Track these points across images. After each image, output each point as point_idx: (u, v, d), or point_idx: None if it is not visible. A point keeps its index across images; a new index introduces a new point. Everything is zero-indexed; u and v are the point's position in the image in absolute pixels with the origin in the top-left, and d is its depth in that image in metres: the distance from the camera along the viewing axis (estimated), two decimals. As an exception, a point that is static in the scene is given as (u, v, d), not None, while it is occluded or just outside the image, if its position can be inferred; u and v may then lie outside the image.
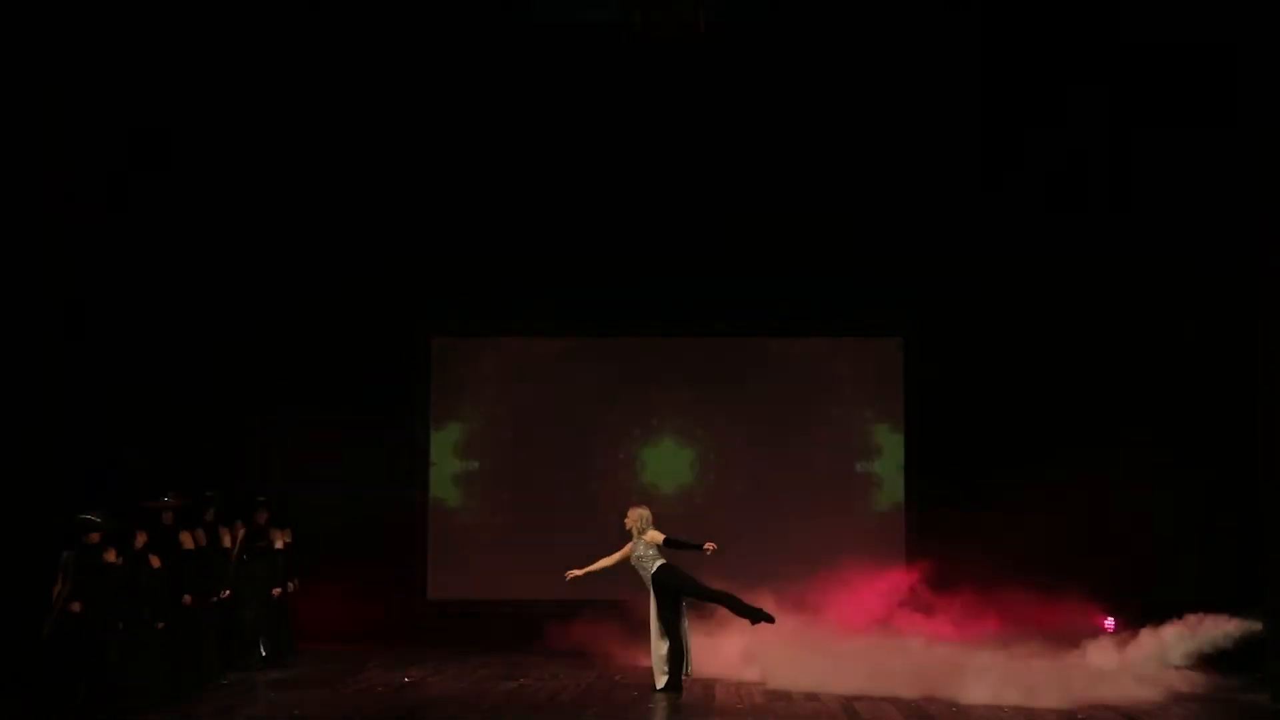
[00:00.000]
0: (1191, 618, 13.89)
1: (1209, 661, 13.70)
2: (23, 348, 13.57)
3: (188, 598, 12.82)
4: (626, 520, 13.03)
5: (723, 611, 13.17)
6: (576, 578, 13.07)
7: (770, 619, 12.75)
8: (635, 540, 12.95)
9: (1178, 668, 13.63)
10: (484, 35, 15.29)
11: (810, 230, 16.60)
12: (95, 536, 11.61)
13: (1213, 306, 15.14)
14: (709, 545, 12.79)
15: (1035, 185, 16.08)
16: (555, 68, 15.58)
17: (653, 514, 13.14)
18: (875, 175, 16.29)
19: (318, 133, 15.91)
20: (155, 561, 12.33)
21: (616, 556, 13.06)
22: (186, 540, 13.06)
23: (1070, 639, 14.71)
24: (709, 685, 13.06)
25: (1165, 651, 13.78)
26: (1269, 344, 13.00)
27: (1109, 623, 15.75)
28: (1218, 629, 13.70)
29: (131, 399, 14.95)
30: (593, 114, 16.09)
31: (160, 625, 12.17)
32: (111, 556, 11.70)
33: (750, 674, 13.32)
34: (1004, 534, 15.77)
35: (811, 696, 12.40)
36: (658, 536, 12.88)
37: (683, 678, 12.75)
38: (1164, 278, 15.65)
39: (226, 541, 13.94)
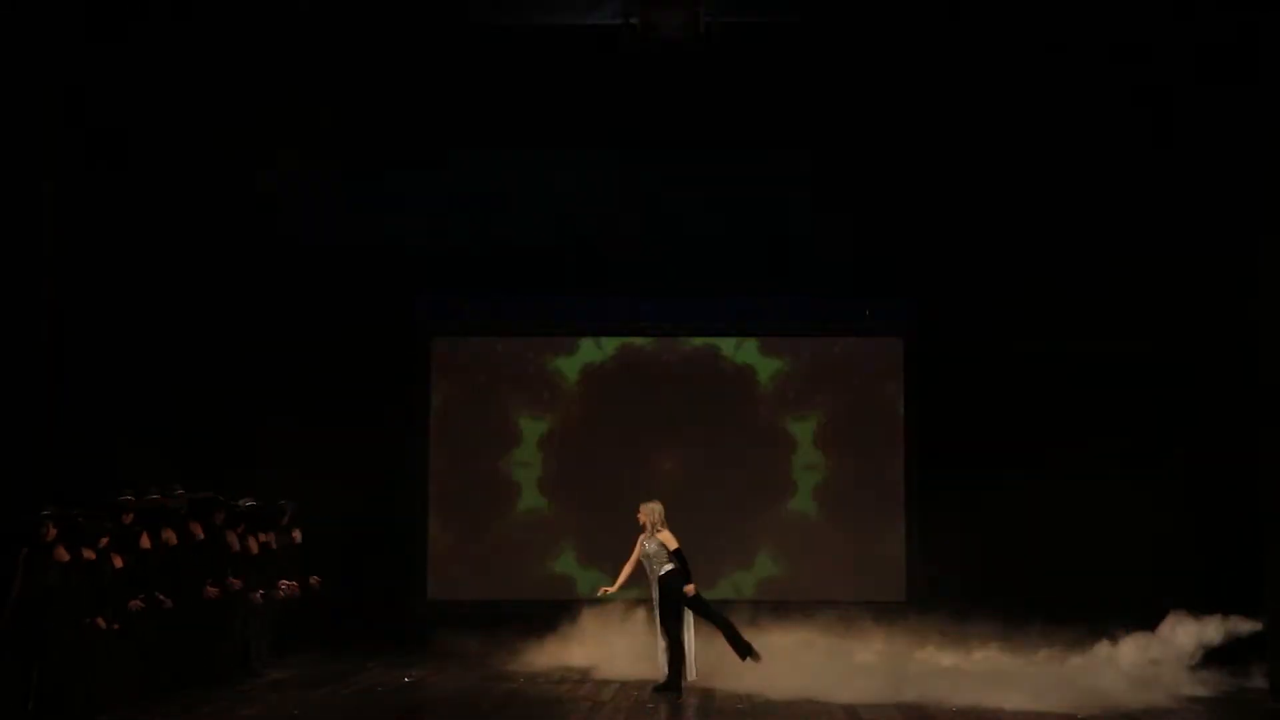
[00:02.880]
0: (1191, 618, 13.87)
1: (1209, 661, 13.68)
2: (15, 348, 13.57)
3: (163, 600, 12.54)
4: (640, 515, 13.03)
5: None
6: (609, 593, 13.31)
7: (757, 657, 12.82)
8: (649, 535, 12.93)
9: (1177, 667, 13.60)
10: (483, 34, 15.28)
11: (810, 229, 16.62)
12: (51, 534, 11.49)
13: (1213, 306, 15.14)
14: (690, 588, 12.80)
15: (1036, 184, 16.08)
16: (555, 67, 15.58)
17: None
18: (875, 175, 16.28)
19: (317, 131, 15.89)
20: (118, 561, 12.13)
21: (635, 557, 13.09)
22: (165, 538, 12.84)
23: (1070, 639, 14.70)
24: (709, 686, 13.04)
25: (1165, 651, 13.76)
26: (1269, 343, 13.00)
27: (1108, 622, 15.72)
28: (1218, 629, 13.68)
29: (129, 399, 14.94)
30: (593, 114, 16.09)
31: (116, 626, 11.95)
32: (63, 554, 11.53)
33: (738, 684, 13.14)
34: (1005, 534, 15.78)
35: (812, 699, 12.37)
36: (671, 541, 12.89)
37: (683, 681, 12.76)
38: (1165, 276, 15.66)
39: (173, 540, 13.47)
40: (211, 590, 13.03)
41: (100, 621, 11.56)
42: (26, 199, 13.79)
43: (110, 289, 14.85)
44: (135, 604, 12.00)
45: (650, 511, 13.02)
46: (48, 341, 13.96)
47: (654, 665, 13.03)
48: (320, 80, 15.47)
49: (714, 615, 13.03)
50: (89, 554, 11.62)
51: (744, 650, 12.88)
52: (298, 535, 15.05)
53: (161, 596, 12.42)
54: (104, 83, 14.52)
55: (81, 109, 14.36)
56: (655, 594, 12.89)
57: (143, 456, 14.42)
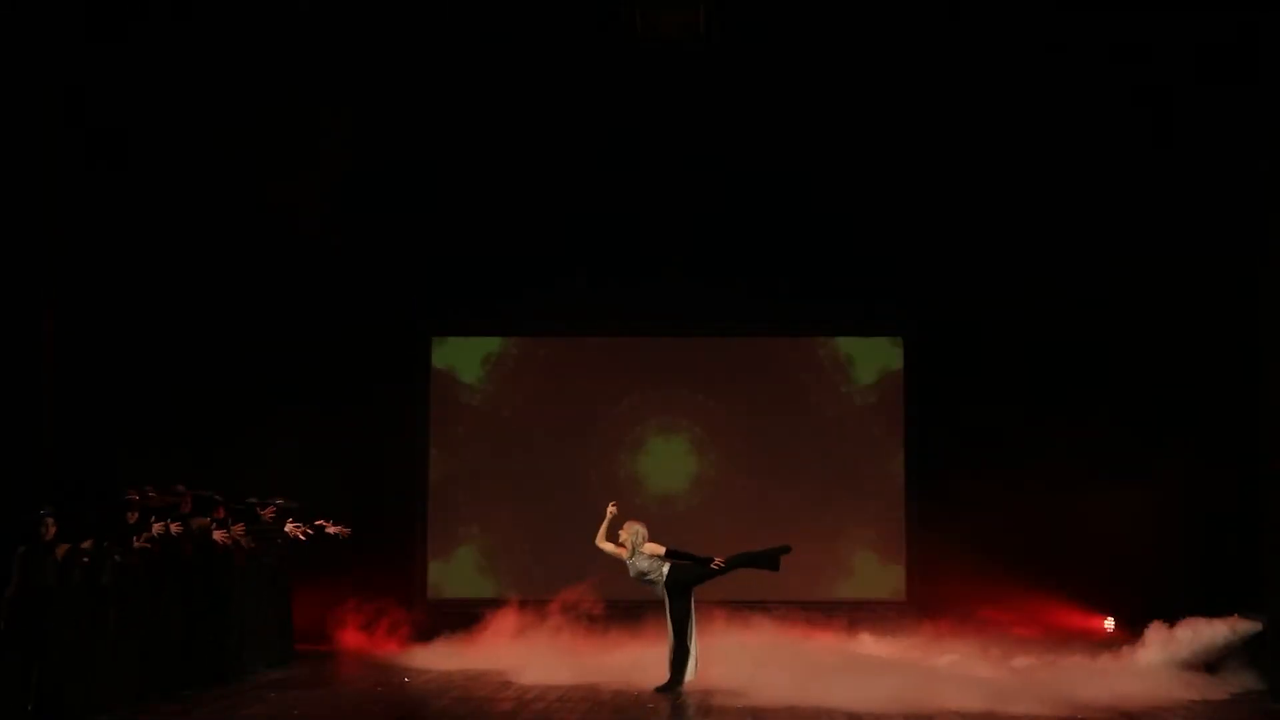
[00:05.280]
0: (1191, 618, 13.86)
1: (1208, 662, 13.67)
2: (15, 348, 13.57)
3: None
4: (622, 534, 13.09)
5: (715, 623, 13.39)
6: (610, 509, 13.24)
7: (787, 549, 12.98)
8: (633, 555, 12.96)
9: (1177, 668, 13.60)
10: (484, 34, 15.28)
11: (810, 229, 16.64)
12: (50, 532, 11.49)
13: (1213, 305, 15.14)
14: (718, 560, 12.86)
15: (1036, 184, 16.07)
16: (555, 67, 15.58)
17: (651, 520, 13.24)
18: (875, 174, 16.29)
19: (317, 131, 15.88)
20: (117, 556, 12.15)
21: (608, 545, 13.11)
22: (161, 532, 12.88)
23: (1070, 640, 14.71)
24: (709, 687, 13.02)
25: (1164, 652, 13.75)
26: (1269, 342, 13.00)
27: (1108, 623, 15.75)
28: (1217, 629, 13.67)
29: (129, 399, 14.94)
30: (593, 113, 16.10)
31: (112, 625, 11.97)
32: (62, 552, 11.53)
33: (738, 685, 13.09)
34: (1005, 534, 15.78)
35: (812, 701, 12.33)
36: (658, 549, 12.92)
37: (684, 679, 12.76)
38: (1165, 276, 15.65)
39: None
40: (219, 533, 13.07)
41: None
42: (27, 199, 13.79)
43: (110, 289, 14.85)
44: (140, 543, 12.01)
45: (634, 534, 13.05)
46: (48, 341, 13.97)
47: (651, 667, 13.04)
48: (320, 79, 15.46)
49: (738, 561, 13.03)
50: (86, 546, 11.64)
51: (773, 561, 12.98)
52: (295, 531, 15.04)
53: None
54: (104, 83, 14.52)
55: (81, 109, 14.36)
56: (665, 600, 12.91)
57: (143, 456, 14.42)
